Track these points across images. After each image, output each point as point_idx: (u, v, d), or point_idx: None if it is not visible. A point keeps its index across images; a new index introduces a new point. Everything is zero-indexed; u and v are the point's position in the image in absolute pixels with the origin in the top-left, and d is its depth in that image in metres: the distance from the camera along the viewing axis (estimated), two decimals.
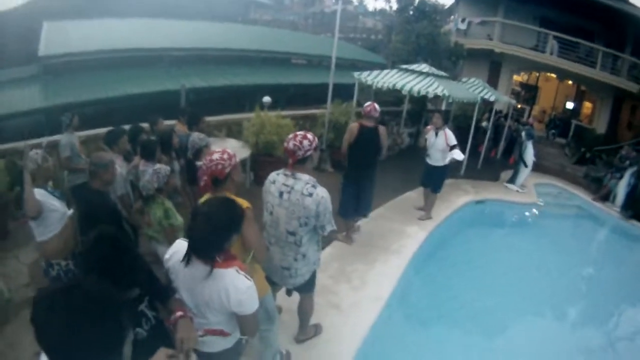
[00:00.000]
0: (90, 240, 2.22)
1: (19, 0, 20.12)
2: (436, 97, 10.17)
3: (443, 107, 10.31)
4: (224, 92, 14.78)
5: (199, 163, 4.37)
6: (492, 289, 6.81)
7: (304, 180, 3.44)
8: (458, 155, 7.78)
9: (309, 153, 3.44)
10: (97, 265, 2.14)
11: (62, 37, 14.46)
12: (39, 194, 3.58)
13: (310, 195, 3.37)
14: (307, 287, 3.93)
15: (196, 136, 4.89)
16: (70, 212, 3.83)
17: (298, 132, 3.54)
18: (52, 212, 3.64)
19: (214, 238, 2.33)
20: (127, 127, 5.98)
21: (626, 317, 7.43)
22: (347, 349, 4.41)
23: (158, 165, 4.16)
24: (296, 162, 3.46)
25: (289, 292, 4.09)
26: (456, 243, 8.40)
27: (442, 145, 7.81)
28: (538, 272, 7.94)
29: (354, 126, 6.65)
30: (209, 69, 16.18)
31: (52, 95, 11.92)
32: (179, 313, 2.37)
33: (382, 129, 6.54)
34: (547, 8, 19.54)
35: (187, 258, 2.34)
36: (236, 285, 2.33)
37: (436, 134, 7.91)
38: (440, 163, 7.99)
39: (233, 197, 2.85)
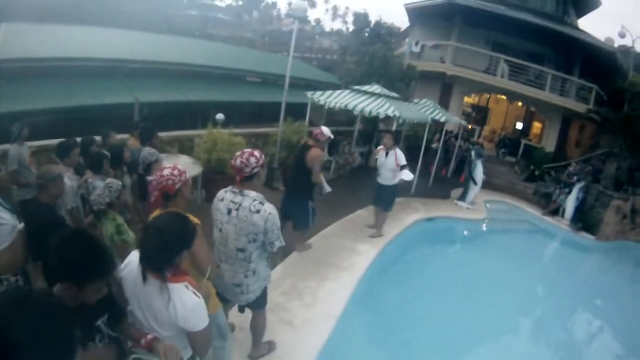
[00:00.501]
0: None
1: None
2: (387, 117, 10.32)
3: (394, 128, 10.49)
4: (177, 107, 14.56)
5: (149, 178, 4.34)
6: (443, 305, 6.94)
7: (252, 196, 3.47)
8: (407, 175, 7.90)
9: (255, 170, 3.48)
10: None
11: (19, 40, 13.95)
12: None
13: (258, 211, 3.40)
14: (258, 304, 3.93)
15: (147, 151, 4.83)
16: (21, 225, 3.67)
17: (245, 150, 3.58)
18: (1, 225, 3.42)
19: (165, 251, 2.32)
20: (78, 139, 5.79)
21: (579, 324, 7.82)
22: None
23: (109, 180, 4.06)
24: (243, 179, 3.50)
25: (241, 309, 4.07)
26: (407, 260, 8.50)
27: (392, 165, 7.92)
28: (489, 286, 8.13)
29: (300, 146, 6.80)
30: (164, 83, 15.84)
31: (4, 102, 11.49)
32: (149, 336, 2.33)
33: (312, 151, 6.43)
34: (499, 32, 20.36)
35: (143, 274, 2.33)
36: (184, 301, 2.31)
37: (386, 154, 8.03)
38: (390, 182, 8.10)
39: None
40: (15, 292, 1.96)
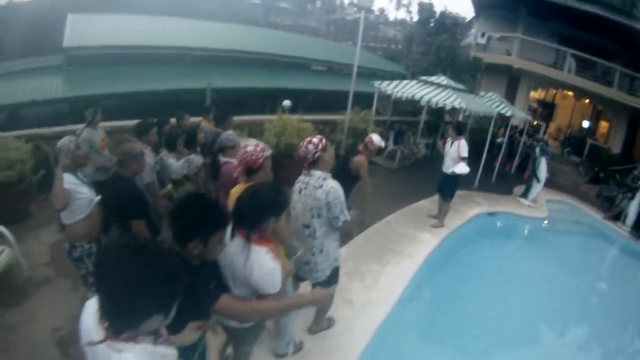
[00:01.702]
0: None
1: None
2: (454, 109, 10.31)
3: (460, 120, 10.42)
4: (244, 94, 15.01)
5: (223, 159, 4.59)
6: (498, 298, 7.01)
7: (317, 175, 3.75)
8: (461, 168, 7.89)
9: (317, 155, 3.72)
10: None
11: (86, 29, 14.80)
12: (69, 180, 3.78)
13: (321, 186, 3.67)
14: (327, 284, 4.08)
15: (225, 135, 4.92)
16: (98, 198, 4.04)
17: (306, 139, 3.84)
18: (80, 198, 3.85)
19: (256, 213, 2.53)
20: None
21: (632, 335, 7.54)
22: (358, 342, 4.63)
23: (192, 156, 4.38)
24: (309, 164, 3.78)
25: (313, 287, 4.16)
26: (466, 252, 8.58)
27: (454, 155, 8.02)
28: (544, 287, 8.07)
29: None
30: (230, 70, 16.43)
31: (75, 86, 12.15)
32: None
33: (357, 157, 6.07)
34: (566, 26, 19.60)
35: (232, 231, 2.54)
36: (261, 263, 2.48)
37: (451, 144, 8.13)
38: (453, 171, 8.16)
39: None
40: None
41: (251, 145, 3.45)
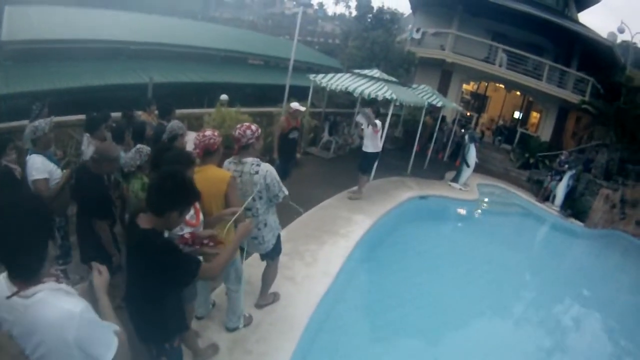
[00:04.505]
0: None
1: None
2: (386, 100, 10.65)
3: (391, 111, 10.77)
4: (181, 87, 14.86)
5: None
6: (431, 272, 7.53)
7: (249, 162, 4.01)
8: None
9: (251, 141, 4.00)
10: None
11: (24, 23, 14.18)
12: (40, 158, 4.22)
13: (257, 172, 3.95)
14: (274, 253, 4.52)
15: (175, 123, 5.06)
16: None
17: (244, 123, 4.10)
18: (54, 179, 4.30)
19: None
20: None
21: (561, 306, 8.12)
22: (302, 313, 4.98)
23: (140, 145, 4.45)
24: (240, 148, 4.04)
25: (262, 258, 4.63)
26: (400, 231, 9.07)
27: (370, 134, 8.94)
28: (476, 263, 8.63)
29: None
30: (168, 65, 16.09)
31: (13, 83, 11.75)
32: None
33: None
34: (500, 23, 20.54)
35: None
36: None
37: (367, 126, 8.90)
38: (369, 150, 9.12)
39: (217, 167, 3.74)
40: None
41: (209, 131, 3.75)
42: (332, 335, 5.16)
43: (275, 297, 5.09)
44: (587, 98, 18.12)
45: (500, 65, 19.15)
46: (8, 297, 1.70)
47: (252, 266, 5.20)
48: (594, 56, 19.78)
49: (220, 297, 4.83)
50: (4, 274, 1.78)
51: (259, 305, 4.88)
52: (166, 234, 2.67)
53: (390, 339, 5.60)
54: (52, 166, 4.38)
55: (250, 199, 3.82)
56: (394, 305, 6.25)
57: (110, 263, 4.18)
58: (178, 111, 10.17)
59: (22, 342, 1.78)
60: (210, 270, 2.59)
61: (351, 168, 10.39)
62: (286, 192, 4.12)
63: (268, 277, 4.76)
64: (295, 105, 8.29)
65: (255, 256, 4.69)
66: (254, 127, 4.06)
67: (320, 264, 6.20)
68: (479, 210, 12.02)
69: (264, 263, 4.70)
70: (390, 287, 6.70)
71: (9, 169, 4.30)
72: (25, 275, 1.71)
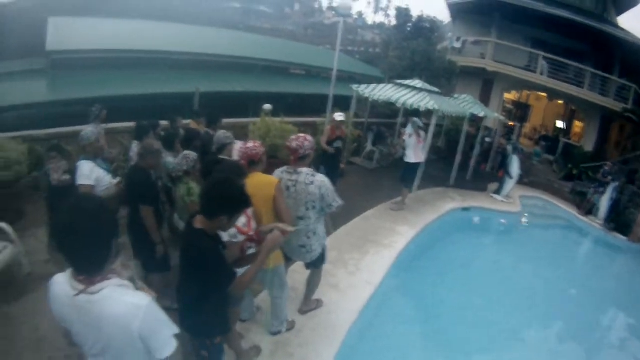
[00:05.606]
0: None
1: None
2: (429, 111, 10.70)
3: (434, 122, 10.79)
4: (223, 98, 15.10)
5: (221, 157, 4.94)
6: (472, 284, 7.54)
7: (305, 172, 4.18)
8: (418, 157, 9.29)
9: (308, 152, 4.18)
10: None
11: (68, 33, 14.78)
12: (89, 165, 4.51)
13: (312, 183, 4.11)
14: (319, 262, 4.64)
15: (222, 133, 5.18)
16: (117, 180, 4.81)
17: (300, 135, 4.28)
18: (102, 185, 4.59)
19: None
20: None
21: (608, 325, 7.94)
22: (344, 321, 5.10)
23: (187, 152, 4.72)
24: (298, 159, 4.19)
25: (307, 267, 4.74)
26: (442, 242, 9.05)
27: (413, 143, 9.05)
28: (518, 274, 8.60)
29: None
30: (210, 75, 16.45)
31: (59, 90, 12.17)
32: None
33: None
34: (539, 30, 20.20)
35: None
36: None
37: (409, 136, 9.11)
38: (411, 160, 9.24)
39: (263, 174, 3.92)
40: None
41: (251, 142, 3.95)
42: (373, 344, 5.25)
43: (319, 303, 5.25)
44: (629, 106, 17.66)
45: (541, 73, 18.85)
46: (76, 295, 1.82)
47: (297, 272, 5.40)
48: (636, 62, 19.04)
49: (264, 302, 4.95)
50: (63, 275, 1.92)
51: (302, 311, 5.05)
52: (224, 237, 2.98)
53: (431, 349, 5.66)
54: (101, 172, 4.66)
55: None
56: (436, 316, 6.31)
57: (165, 262, 4.53)
58: (223, 120, 10.52)
59: (82, 338, 1.93)
60: (234, 287, 2.74)
61: (394, 178, 10.45)
62: (340, 202, 4.26)
63: (312, 284, 4.94)
64: (338, 116, 8.54)
65: (300, 262, 4.81)
66: (310, 138, 4.23)
67: (363, 273, 6.35)
68: (521, 223, 11.90)
69: (309, 270, 4.85)
70: (432, 298, 6.75)
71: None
72: (92, 270, 1.84)
